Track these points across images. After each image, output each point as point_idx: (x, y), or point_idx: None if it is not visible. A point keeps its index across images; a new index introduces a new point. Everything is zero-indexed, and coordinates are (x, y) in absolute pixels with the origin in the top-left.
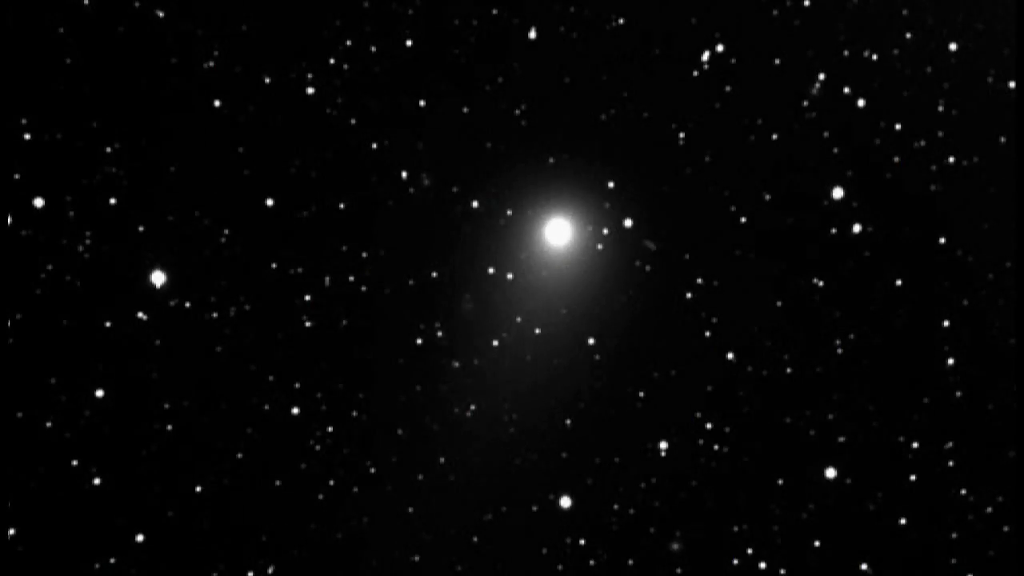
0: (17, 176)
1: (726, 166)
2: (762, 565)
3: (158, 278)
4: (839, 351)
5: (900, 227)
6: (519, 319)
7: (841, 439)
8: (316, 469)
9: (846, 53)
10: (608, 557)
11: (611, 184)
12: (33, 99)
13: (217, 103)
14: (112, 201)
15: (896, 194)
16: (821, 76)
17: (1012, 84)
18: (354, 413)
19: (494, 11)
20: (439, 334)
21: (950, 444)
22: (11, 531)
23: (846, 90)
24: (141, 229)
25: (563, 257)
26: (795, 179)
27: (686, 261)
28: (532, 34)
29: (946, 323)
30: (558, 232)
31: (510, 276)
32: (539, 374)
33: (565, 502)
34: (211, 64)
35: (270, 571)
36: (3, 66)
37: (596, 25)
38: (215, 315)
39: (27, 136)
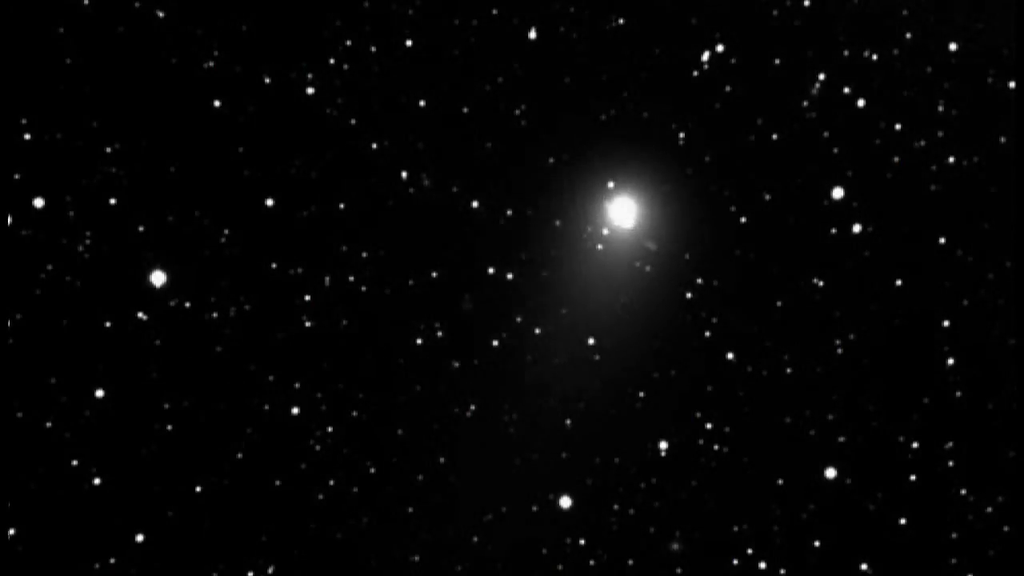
0: (17, 176)
1: (726, 166)
2: (762, 565)
3: (158, 278)
4: (839, 351)
5: (900, 227)
6: (519, 319)
7: (841, 439)
8: (316, 469)
9: (846, 53)
10: (608, 557)
11: (611, 184)
12: (33, 99)
13: (217, 103)
14: (112, 201)
15: (896, 194)
16: (821, 76)
17: (1012, 84)
18: (354, 413)
19: (494, 11)
20: (439, 334)
21: (950, 444)
22: (11, 531)
23: (846, 90)
24: (141, 229)
25: (563, 257)
26: (795, 179)
27: (686, 261)
28: (532, 34)
29: (946, 323)
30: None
31: (510, 276)
32: (539, 374)
33: (565, 502)
34: (211, 64)
35: (270, 571)
36: (3, 66)
37: (596, 25)
38: (215, 315)
39: (27, 136)
